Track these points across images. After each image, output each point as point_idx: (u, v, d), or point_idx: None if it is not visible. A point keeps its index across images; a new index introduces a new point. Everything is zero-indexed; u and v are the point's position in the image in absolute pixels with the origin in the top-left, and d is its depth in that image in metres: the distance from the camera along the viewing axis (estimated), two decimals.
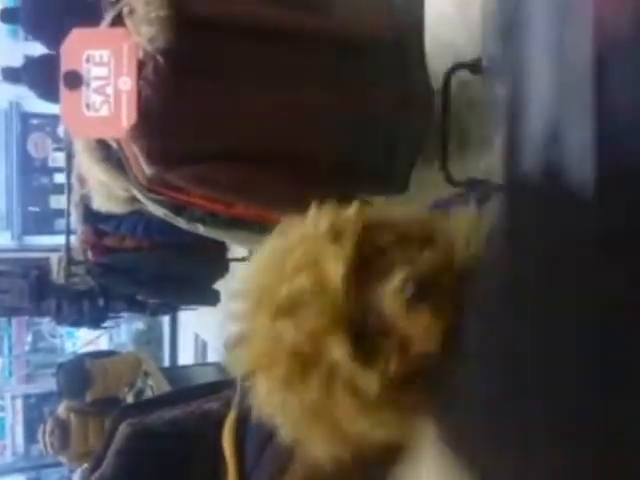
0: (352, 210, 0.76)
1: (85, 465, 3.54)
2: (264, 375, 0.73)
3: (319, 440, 0.74)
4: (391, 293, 0.68)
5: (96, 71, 1.78)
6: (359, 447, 0.73)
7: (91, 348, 7.09)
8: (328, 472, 0.83)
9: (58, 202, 6.83)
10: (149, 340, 7.11)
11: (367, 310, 0.69)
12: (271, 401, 0.73)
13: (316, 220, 0.76)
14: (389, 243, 0.73)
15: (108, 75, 1.77)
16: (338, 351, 0.68)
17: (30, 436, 6.93)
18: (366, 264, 0.71)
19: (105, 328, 6.13)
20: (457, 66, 2.16)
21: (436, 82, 2.15)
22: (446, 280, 0.70)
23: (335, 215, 0.75)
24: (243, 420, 1.05)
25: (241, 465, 1.27)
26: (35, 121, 6.96)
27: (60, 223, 6.61)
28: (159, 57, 1.73)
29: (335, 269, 0.69)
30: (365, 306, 0.69)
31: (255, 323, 0.74)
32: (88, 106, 1.79)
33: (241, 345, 0.76)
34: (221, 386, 2.39)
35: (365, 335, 0.69)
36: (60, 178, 6.74)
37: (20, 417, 7.24)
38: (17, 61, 3.89)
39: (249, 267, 0.79)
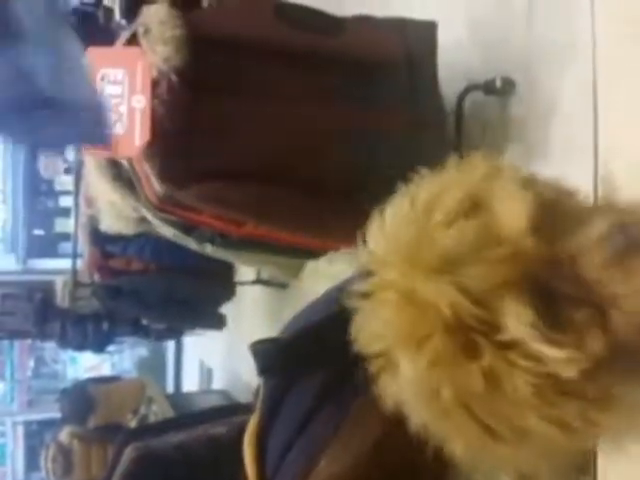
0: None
1: None
2: (409, 353, 0.54)
3: (463, 439, 0.56)
4: (595, 242, 0.51)
5: (110, 89, 1.78)
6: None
7: (93, 374, 7.04)
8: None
9: (63, 225, 6.83)
10: (152, 366, 7.04)
11: (558, 267, 0.52)
12: (418, 388, 0.54)
13: (470, 164, 0.59)
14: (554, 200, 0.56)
15: (122, 93, 1.76)
16: (519, 320, 0.50)
17: (31, 463, 6.83)
18: (546, 213, 0.53)
19: (109, 352, 6.08)
20: (471, 87, 2.16)
21: (449, 103, 2.15)
22: None
23: (489, 164, 0.59)
24: (263, 431, 1.01)
25: (262, 474, 1.24)
26: None
27: (64, 247, 6.60)
28: (173, 76, 1.73)
29: (518, 211, 0.53)
30: (555, 261, 0.52)
31: (397, 286, 0.57)
32: None
33: (373, 315, 0.58)
34: (227, 411, 2.36)
35: (554, 301, 0.51)
36: (65, 201, 6.75)
37: (21, 443, 7.14)
38: None
39: (376, 226, 0.62)
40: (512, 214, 0.52)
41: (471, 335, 0.50)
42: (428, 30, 2.10)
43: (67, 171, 6.74)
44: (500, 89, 2.07)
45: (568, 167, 1.79)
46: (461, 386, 0.51)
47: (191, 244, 2.21)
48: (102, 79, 1.79)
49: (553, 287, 0.50)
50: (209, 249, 2.19)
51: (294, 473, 1.02)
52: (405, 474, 0.65)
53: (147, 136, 1.71)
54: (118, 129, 1.77)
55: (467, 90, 2.16)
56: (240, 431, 1.67)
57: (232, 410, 2.46)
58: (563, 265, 0.51)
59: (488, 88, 2.10)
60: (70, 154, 6.36)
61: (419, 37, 2.08)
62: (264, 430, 0.97)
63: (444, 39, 2.08)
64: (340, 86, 1.90)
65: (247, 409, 1.23)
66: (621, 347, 0.49)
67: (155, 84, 1.75)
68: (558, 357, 0.49)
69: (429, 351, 0.52)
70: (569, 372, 0.49)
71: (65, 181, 6.79)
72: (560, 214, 0.54)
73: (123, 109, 1.76)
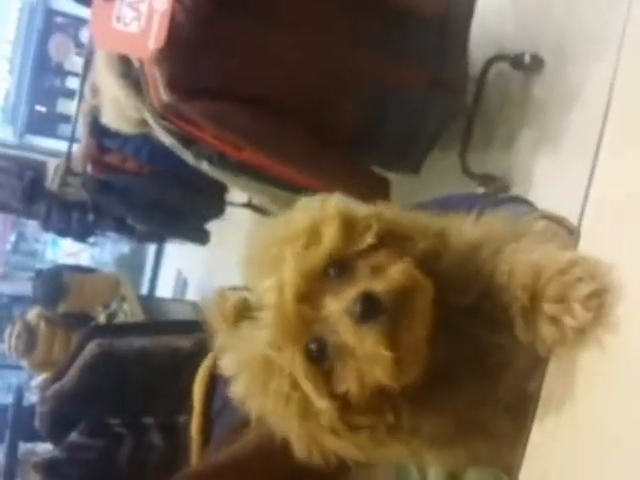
0: (334, 207, 0.67)
1: (45, 374, 3.57)
2: (240, 378, 0.69)
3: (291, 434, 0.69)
4: (340, 313, 0.61)
5: None
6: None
7: (71, 260, 7.08)
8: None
9: (65, 106, 6.70)
10: (131, 266, 7.09)
11: (326, 328, 0.62)
12: (248, 406, 0.70)
13: (296, 218, 0.68)
14: (374, 247, 0.65)
15: None
16: (293, 365, 0.63)
17: None
18: (338, 271, 0.63)
19: (90, 244, 6.10)
20: (498, 57, 2.10)
21: (474, 68, 2.09)
22: (415, 301, 0.62)
23: (317, 212, 0.67)
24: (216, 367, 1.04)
25: (207, 408, 1.28)
26: (59, 19, 6.77)
27: (63, 128, 6.49)
28: None
29: (292, 280, 0.62)
30: (325, 324, 0.62)
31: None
32: (118, 19, 1.72)
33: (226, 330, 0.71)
34: (195, 326, 2.40)
35: (326, 352, 0.62)
36: (72, 83, 6.59)
37: None
38: None
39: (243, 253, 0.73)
40: (287, 282, 0.63)
41: (270, 369, 0.65)
42: None
43: (79, 54, 6.56)
44: (528, 65, 2.02)
45: (573, 160, 1.77)
46: (263, 404, 0.67)
47: (188, 157, 2.19)
48: None
49: (326, 340, 0.62)
50: (205, 166, 2.17)
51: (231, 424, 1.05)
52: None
53: (162, 41, 1.66)
54: (134, 27, 1.71)
55: (494, 59, 2.10)
56: (201, 349, 1.70)
57: (199, 326, 2.49)
58: (330, 325, 0.62)
59: (516, 62, 2.04)
60: (85, 36, 6.18)
61: None
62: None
63: (484, 1, 2.01)
64: (376, 32, 1.83)
65: None
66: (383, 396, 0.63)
67: None
68: (319, 403, 0.63)
69: (245, 376, 0.68)
70: (326, 418, 0.64)
71: (75, 61, 6.61)
72: (354, 264, 0.64)
73: (143, 8, 1.70)
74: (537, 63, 2.01)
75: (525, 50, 2.02)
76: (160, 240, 5.59)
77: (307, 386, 0.63)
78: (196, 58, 1.71)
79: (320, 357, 0.62)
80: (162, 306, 4.32)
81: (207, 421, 1.26)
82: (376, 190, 1.97)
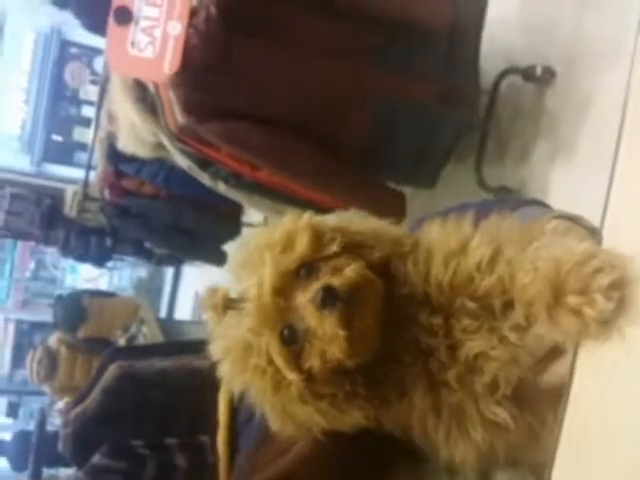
0: (306, 218, 0.82)
1: (67, 399, 3.58)
2: (225, 360, 0.82)
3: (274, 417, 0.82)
4: (306, 302, 0.75)
5: (147, 11, 1.75)
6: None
7: (90, 286, 7.14)
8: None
9: (82, 135, 6.81)
10: (149, 289, 7.12)
11: (297, 317, 0.76)
12: (230, 383, 0.84)
13: (275, 228, 0.82)
14: (338, 254, 0.79)
15: (159, 17, 1.73)
16: (270, 347, 0.77)
17: (17, 361, 7.00)
18: (307, 272, 0.77)
19: (108, 268, 6.15)
20: (510, 70, 2.11)
21: (485, 81, 2.10)
22: (369, 295, 0.76)
23: (292, 224, 0.81)
24: None
25: (233, 421, 1.28)
26: (74, 50, 6.91)
27: (79, 156, 6.59)
28: (212, 8, 1.70)
29: (269, 278, 0.76)
30: (295, 313, 0.76)
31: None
32: (133, 44, 1.76)
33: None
34: None
35: (296, 336, 0.76)
36: (88, 111, 6.70)
37: (10, 340, 7.30)
38: None
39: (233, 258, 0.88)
40: (266, 280, 0.76)
41: (249, 350, 0.79)
42: (479, 3, 2.04)
43: (94, 82, 6.68)
44: (540, 77, 2.03)
45: (589, 171, 1.77)
46: (244, 382, 0.82)
47: (205, 179, 2.21)
48: None
49: (296, 326, 0.76)
50: (222, 187, 2.19)
51: (256, 438, 1.08)
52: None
53: (177, 65, 1.69)
54: (149, 52, 1.74)
55: (506, 73, 2.11)
56: None
57: None
58: (300, 314, 0.76)
59: (527, 74, 2.05)
60: (99, 65, 6.29)
61: (469, 8, 2.02)
62: None
63: (494, 14, 2.02)
64: (381, 47, 1.86)
65: None
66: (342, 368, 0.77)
67: (193, 13, 1.72)
68: (290, 376, 0.77)
69: (231, 357, 0.82)
70: (296, 388, 0.78)
71: (90, 90, 6.73)
72: (321, 267, 0.78)
73: (158, 33, 1.73)
74: (549, 75, 2.02)
75: (536, 62, 2.03)
76: (178, 263, 5.62)
77: (280, 362, 0.77)
78: (210, 80, 1.73)
79: (291, 340, 0.76)
80: (181, 328, 4.32)
81: (233, 434, 1.27)
82: (392, 205, 1.98)
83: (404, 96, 1.89)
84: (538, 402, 0.75)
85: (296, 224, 0.81)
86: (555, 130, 1.99)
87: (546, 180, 1.97)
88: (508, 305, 0.73)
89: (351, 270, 0.76)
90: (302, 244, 0.78)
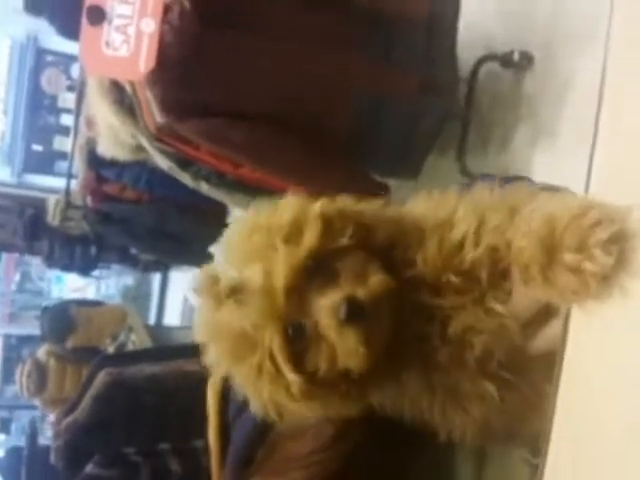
0: (317, 206, 0.76)
1: (59, 412, 3.54)
2: (214, 347, 0.80)
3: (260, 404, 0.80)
4: (326, 310, 0.71)
5: (120, 9, 1.72)
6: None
7: (77, 296, 7.07)
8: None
9: (62, 144, 6.75)
10: (137, 296, 7.07)
11: (306, 316, 0.73)
12: (218, 370, 0.81)
13: (281, 210, 0.77)
14: (349, 247, 0.75)
15: (132, 14, 1.71)
16: (272, 343, 0.74)
17: (6, 376, 6.91)
18: (319, 267, 0.73)
19: (95, 277, 6.09)
20: (487, 57, 2.11)
21: (463, 69, 2.10)
22: (388, 306, 0.72)
23: (300, 208, 0.76)
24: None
25: (222, 418, 1.27)
26: (50, 58, 6.84)
27: (60, 165, 6.52)
28: (186, 2, 1.68)
29: (282, 273, 0.72)
30: (304, 312, 0.73)
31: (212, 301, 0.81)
32: (107, 44, 1.73)
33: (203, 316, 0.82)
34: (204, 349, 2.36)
35: (302, 335, 0.73)
36: (66, 120, 6.64)
37: None
38: None
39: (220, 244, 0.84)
40: (279, 274, 0.72)
41: (248, 344, 0.76)
42: None
43: (70, 88, 6.62)
44: (517, 63, 2.03)
45: (570, 151, 1.77)
46: (240, 374, 0.79)
47: (186, 179, 2.19)
48: None
49: (306, 326, 0.73)
50: (204, 187, 2.17)
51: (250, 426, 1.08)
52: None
53: (152, 63, 1.67)
54: (124, 51, 1.72)
55: (483, 60, 2.11)
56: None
57: None
58: (311, 316, 0.73)
59: (505, 60, 2.05)
60: (75, 72, 6.24)
61: None
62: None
63: (469, 1, 2.02)
64: (363, 36, 1.84)
65: None
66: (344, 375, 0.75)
67: (167, 9, 1.70)
68: (289, 375, 0.74)
69: (223, 348, 0.79)
70: (294, 389, 0.75)
71: (68, 98, 6.66)
72: (333, 263, 0.74)
73: (131, 31, 1.71)
74: (527, 60, 2.02)
75: (514, 48, 2.03)
76: (164, 268, 5.58)
77: (281, 360, 0.74)
78: (187, 77, 1.71)
79: (296, 339, 0.73)
80: (170, 334, 4.29)
81: (223, 420, 1.27)
82: (376, 197, 1.96)
83: (385, 87, 1.88)
84: (532, 370, 0.73)
85: (305, 210, 0.76)
86: (535, 115, 1.99)
87: (528, 164, 1.97)
88: (497, 274, 0.71)
89: (376, 282, 0.72)
90: (313, 236, 0.74)
